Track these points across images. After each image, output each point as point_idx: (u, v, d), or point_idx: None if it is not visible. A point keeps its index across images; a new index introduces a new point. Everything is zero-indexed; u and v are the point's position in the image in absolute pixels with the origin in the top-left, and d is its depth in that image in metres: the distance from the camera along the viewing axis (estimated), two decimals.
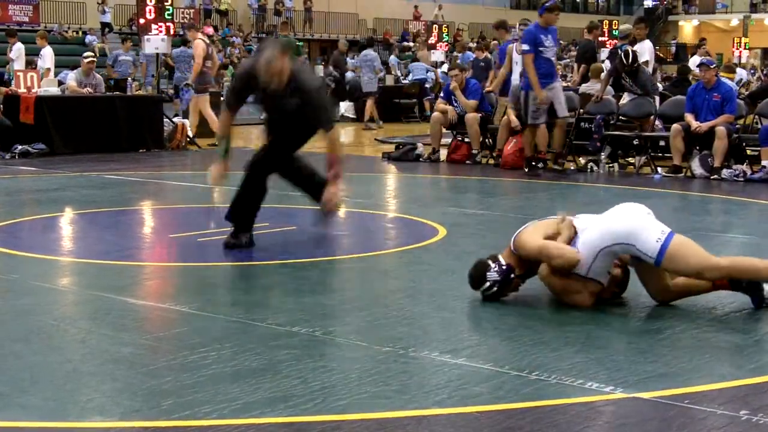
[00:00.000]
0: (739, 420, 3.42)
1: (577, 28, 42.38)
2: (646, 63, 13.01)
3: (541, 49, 11.25)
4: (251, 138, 18.27)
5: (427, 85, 23.44)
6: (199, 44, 15.01)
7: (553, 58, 11.58)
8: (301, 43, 22.00)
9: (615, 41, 18.05)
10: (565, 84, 18.17)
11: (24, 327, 4.55)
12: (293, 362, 4.02)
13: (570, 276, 4.95)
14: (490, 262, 5.10)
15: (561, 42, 41.76)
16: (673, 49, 42.04)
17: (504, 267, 5.06)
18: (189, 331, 4.47)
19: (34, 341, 4.33)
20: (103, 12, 32.42)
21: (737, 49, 33.28)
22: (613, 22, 24.06)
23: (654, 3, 49.66)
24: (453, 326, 4.85)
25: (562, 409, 3.55)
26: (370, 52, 21.07)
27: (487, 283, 5.07)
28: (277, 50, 6.03)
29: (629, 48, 12.47)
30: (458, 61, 17.60)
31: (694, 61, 18.34)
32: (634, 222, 4.88)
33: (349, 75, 23.29)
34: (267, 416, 3.39)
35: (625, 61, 11.95)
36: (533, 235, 5.03)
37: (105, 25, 32.20)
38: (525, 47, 11.35)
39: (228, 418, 3.38)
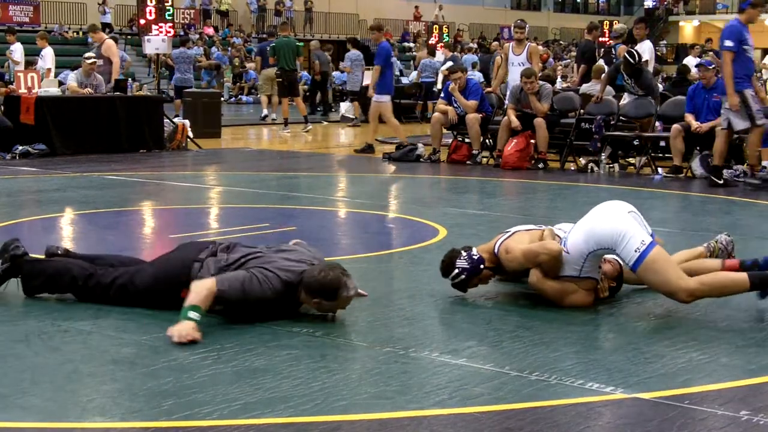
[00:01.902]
0: (740, 420, 3.42)
1: (577, 28, 42.53)
2: (646, 63, 13.03)
3: (745, 47, 10.22)
4: (250, 137, 18.31)
5: (436, 88, 23.36)
6: (112, 44, 15.36)
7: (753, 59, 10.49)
8: (301, 44, 21.96)
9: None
10: (565, 84, 18.24)
11: (24, 328, 4.55)
12: (293, 362, 4.02)
13: (562, 279, 4.95)
14: (462, 251, 5.18)
15: (561, 42, 41.93)
16: (664, 50, 42.03)
17: (475, 257, 5.13)
18: None
19: (35, 342, 4.33)
20: (104, 12, 32.46)
21: None
22: (614, 22, 24.08)
23: (654, 3, 49.67)
24: (453, 326, 4.85)
25: (562, 409, 3.55)
26: (359, 52, 21.13)
27: (456, 270, 5.13)
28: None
29: (631, 48, 12.48)
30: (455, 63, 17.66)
31: (689, 62, 18.36)
32: (617, 227, 4.82)
33: (345, 75, 23.31)
34: (267, 417, 3.39)
35: (632, 61, 11.95)
36: (518, 243, 5.06)
37: (105, 26, 32.23)
38: (729, 44, 10.11)
39: (228, 418, 3.38)
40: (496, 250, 5.14)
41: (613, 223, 4.85)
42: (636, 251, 4.74)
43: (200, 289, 4.48)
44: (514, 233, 5.19)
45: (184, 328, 4.34)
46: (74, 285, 4.97)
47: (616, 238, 4.79)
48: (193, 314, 4.40)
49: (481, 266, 5.13)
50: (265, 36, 28.35)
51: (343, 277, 4.62)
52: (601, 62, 14.57)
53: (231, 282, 4.53)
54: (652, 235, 4.93)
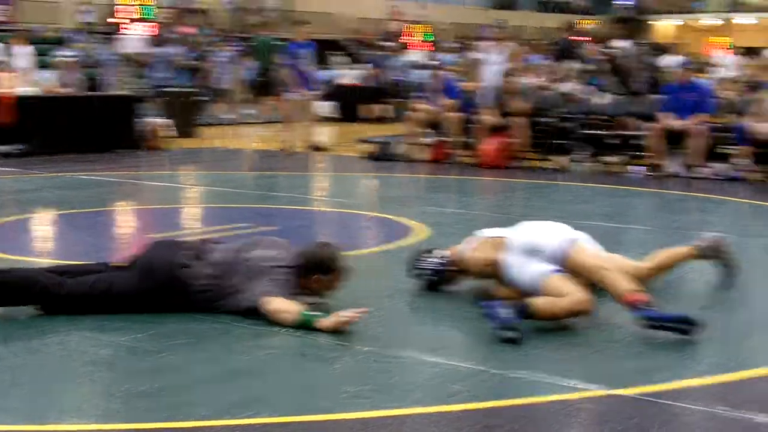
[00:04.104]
0: (719, 416, 3.45)
1: (556, 27, 42.67)
2: (626, 60, 13.12)
3: None
4: (228, 136, 18.25)
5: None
6: None
7: None
8: (281, 43, 21.85)
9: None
10: (544, 83, 18.28)
11: (2, 329, 4.52)
12: (274, 363, 4.01)
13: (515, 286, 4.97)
14: (428, 252, 5.34)
15: (541, 41, 42.05)
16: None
17: (439, 259, 5.26)
18: (168, 333, 4.45)
19: (13, 343, 4.30)
20: (85, 12, 32.25)
21: (715, 49, 33.44)
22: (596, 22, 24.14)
23: (630, 3, 49.85)
24: (432, 325, 4.85)
25: (541, 406, 3.56)
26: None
27: (420, 271, 5.29)
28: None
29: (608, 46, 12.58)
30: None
31: (666, 61, 18.45)
32: (520, 279, 4.85)
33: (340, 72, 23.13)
34: (247, 417, 3.37)
35: (621, 54, 12.07)
36: (473, 251, 5.14)
37: (88, 25, 32.02)
38: None
39: (208, 419, 3.36)
40: (460, 254, 5.21)
41: (516, 276, 4.88)
42: (531, 287, 4.81)
43: (280, 304, 4.59)
44: (477, 238, 5.23)
45: (338, 320, 4.46)
46: (44, 295, 4.70)
47: (523, 284, 4.84)
48: (309, 316, 4.52)
49: (445, 268, 5.23)
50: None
51: (336, 251, 4.96)
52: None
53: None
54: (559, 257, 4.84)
